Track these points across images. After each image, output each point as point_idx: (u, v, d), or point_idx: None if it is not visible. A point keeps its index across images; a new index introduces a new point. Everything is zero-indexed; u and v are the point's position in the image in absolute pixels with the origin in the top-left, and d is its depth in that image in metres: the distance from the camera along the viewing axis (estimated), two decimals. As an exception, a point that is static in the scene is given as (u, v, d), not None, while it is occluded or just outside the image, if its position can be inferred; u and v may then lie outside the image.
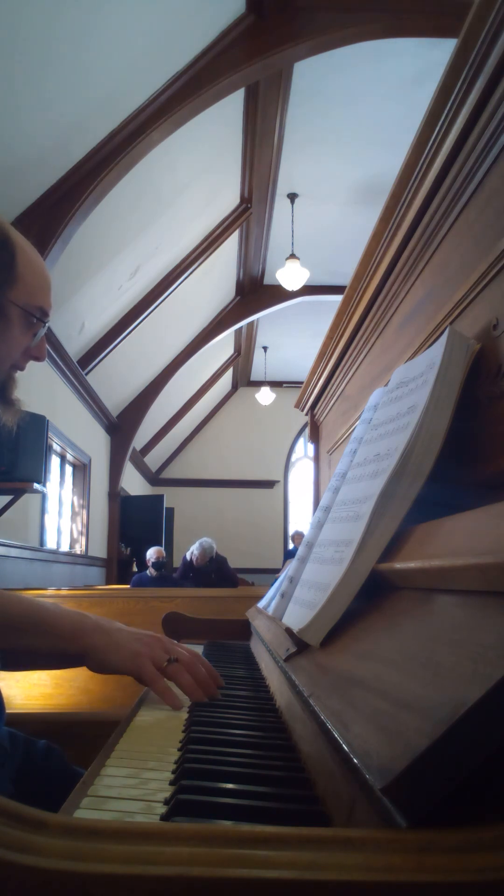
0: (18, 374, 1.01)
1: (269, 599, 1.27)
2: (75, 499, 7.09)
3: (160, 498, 9.27)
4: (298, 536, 9.01)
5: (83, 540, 7.06)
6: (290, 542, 9.24)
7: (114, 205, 4.76)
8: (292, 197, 6.82)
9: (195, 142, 5.12)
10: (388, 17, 4.45)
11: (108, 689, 2.08)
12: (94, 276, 5.39)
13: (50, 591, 3.42)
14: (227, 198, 6.57)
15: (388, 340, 1.11)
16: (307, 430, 1.90)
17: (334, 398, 1.60)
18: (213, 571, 6.46)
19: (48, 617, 0.88)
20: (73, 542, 6.97)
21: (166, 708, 0.79)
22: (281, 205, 6.91)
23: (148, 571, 6.52)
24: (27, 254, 0.94)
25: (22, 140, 3.74)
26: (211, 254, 6.87)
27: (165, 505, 9.17)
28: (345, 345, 1.37)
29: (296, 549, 8.93)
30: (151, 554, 6.50)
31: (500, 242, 0.66)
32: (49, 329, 1.01)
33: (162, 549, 6.77)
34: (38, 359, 1.01)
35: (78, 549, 6.96)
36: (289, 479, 12.99)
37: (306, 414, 1.87)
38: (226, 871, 0.29)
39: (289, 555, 8.94)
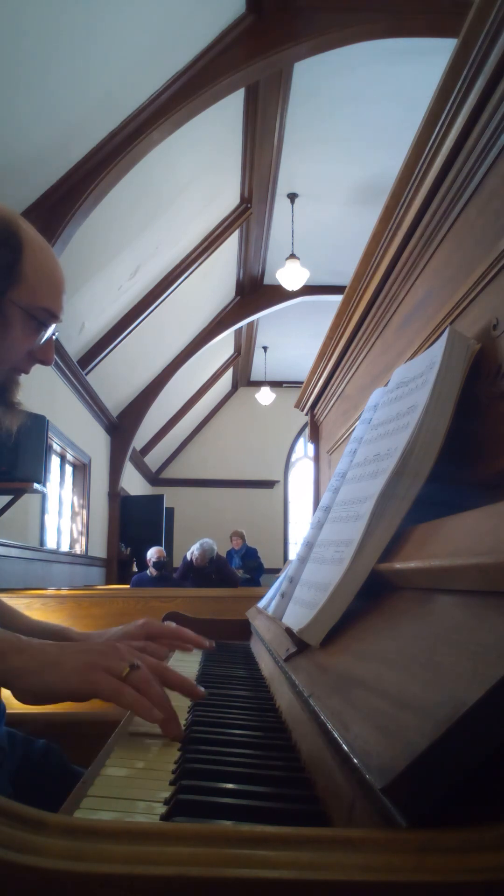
0: (21, 376, 0.99)
1: (269, 599, 1.26)
2: (75, 499, 7.09)
3: (160, 498, 9.26)
4: (237, 535, 8.79)
5: (83, 540, 7.06)
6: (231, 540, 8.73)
7: (114, 205, 4.75)
8: (292, 197, 6.82)
9: (195, 142, 5.12)
10: (388, 17, 4.45)
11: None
12: (94, 276, 5.39)
13: (50, 591, 3.42)
14: (227, 198, 6.57)
15: (388, 340, 1.11)
16: (307, 430, 1.90)
17: (334, 398, 1.60)
18: (214, 572, 6.45)
19: None
20: (73, 542, 6.97)
21: None
22: (281, 205, 6.90)
23: (148, 571, 6.51)
24: (37, 252, 0.90)
25: (22, 140, 3.74)
26: (211, 254, 6.86)
27: (165, 505, 9.16)
28: (345, 345, 1.37)
29: (232, 551, 8.12)
30: (152, 554, 6.49)
31: (500, 242, 0.66)
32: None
33: (162, 549, 6.76)
34: (44, 362, 0.97)
35: (78, 549, 6.96)
36: (289, 479, 12.99)
37: (306, 414, 1.87)
38: (226, 871, 0.29)
39: (228, 555, 8.40)
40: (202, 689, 0.72)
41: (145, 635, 0.90)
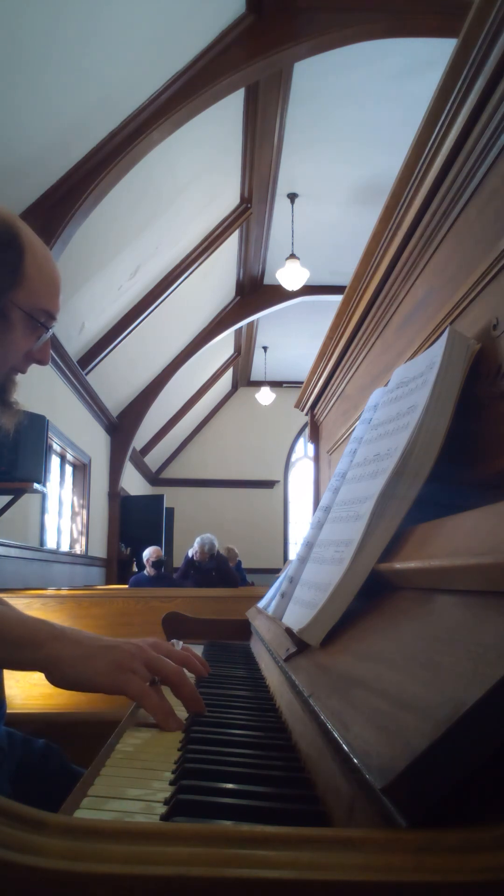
0: (19, 376, 0.99)
1: (269, 599, 1.26)
2: (75, 499, 7.09)
3: (160, 498, 9.26)
4: (231, 553, 8.00)
5: (83, 540, 7.06)
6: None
7: (114, 205, 4.75)
8: (292, 197, 6.82)
9: (195, 142, 5.12)
10: (388, 17, 4.46)
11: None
12: (94, 276, 5.39)
13: (50, 591, 3.42)
14: (227, 198, 6.57)
15: (388, 340, 1.11)
16: (307, 430, 1.90)
17: (334, 398, 1.60)
18: (214, 569, 6.45)
19: (1, 622, 0.77)
20: (73, 542, 6.97)
21: None
22: (281, 205, 6.90)
23: (146, 571, 6.50)
24: (37, 254, 0.91)
25: (22, 140, 3.74)
26: (211, 254, 6.87)
27: (165, 505, 9.17)
28: (345, 345, 1.37)
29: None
30: (150, 553, 6.47)
31: (500, 242, 0.66)
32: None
33: (159, 548, 6.74)
34: (41, 362, 0.98)
35: (78, 549, 6.96)
36: (289, 479, 12.99)
37: (306, 414, 1.87)
38: (226, 871, 0.29)
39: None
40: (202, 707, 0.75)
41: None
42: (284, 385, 12.16)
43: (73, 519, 7.04)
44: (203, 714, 0.72)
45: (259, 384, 11.95)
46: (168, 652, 0.90)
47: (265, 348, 11.23)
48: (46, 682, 0.75)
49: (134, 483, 10.26)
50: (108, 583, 7.80)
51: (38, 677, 0.77)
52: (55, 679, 0.73)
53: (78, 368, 6.22)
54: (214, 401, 12.75)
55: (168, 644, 0.92)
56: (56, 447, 6.28)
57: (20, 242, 0.89)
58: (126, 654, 0.72)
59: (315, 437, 1.82)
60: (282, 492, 12.85)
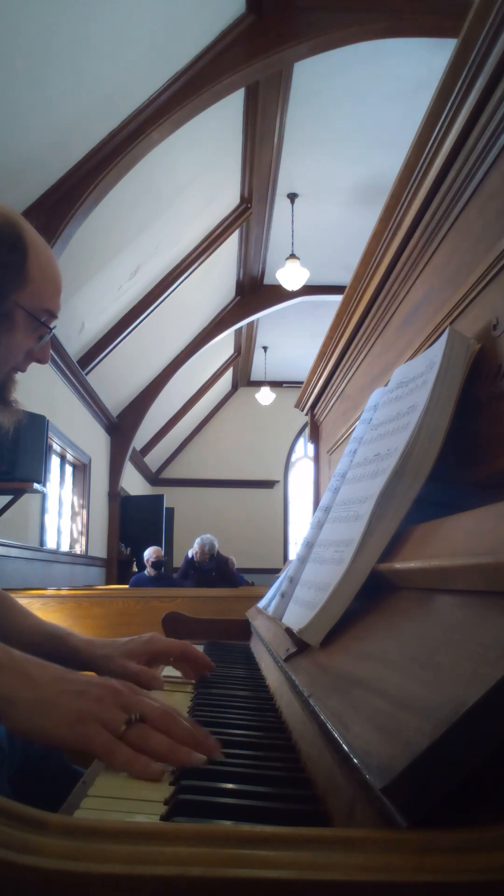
0: (18, 375, 1.00)
1: (269, 599, 1.26)
2: (75, 499, 7.09)
3: (160, 498, 9.26)
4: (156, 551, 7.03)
5: (83, 540, 7.05)
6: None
7: (114, 205, 4.75)
8: (292, 197, 6.82)
9: (195, 142, 5.12)
10: (388, 17, 4.45)
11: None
12: (94, 276, 5.39)
13: (50, 591, 3.42)
14: (227, 198, 6.57)
15: (388, 340, 1.11)
16: (307, 430, 1.90)
17: (334, 398, 1.60)
18: (214, 569, 6.45)
19: None
20: (73, 542, 6.96)
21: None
22: (281, 205, 6.90)
23: (146, 571, 6.51)
24: (40, 255, 0.91)
25: (22, 140, 3.74)
26: (211, 254, 6.86)
27: (165, 505, 9.16)
28: (345, 345, 1.37)
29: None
30: (150, 553, 6.48)
31: (500, 242, 0.66)
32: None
33: (160, 548, 6.74)
34: (41, 361, 0.99)
35: (78, 549, 6.96)
36: (289, 479, 12.99)
37: (306, 414, 1.87)
38: (226, 871, 0.29)
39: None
40: (211, 744, 0.58)
41: (150, 653, 0.89)
42: (284, 385, 12.16)
43: (73, 519, 7.04)
44: (213, 754, 0.56)
45: (259, 384, 11.94)
46: (165, 648, 0.92)
47: (265, 348, 11.22)
48: None
49: (134, 483, 10.26)
50: (108, 583, 7.80)
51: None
52: (11, 724, 0.58)
53: (78, 368, 6.22)
54: (214, 401, 12.74)
55: (164, 639, 0.93)
56: (56, 447, 6.28)
57: (24, 243, 0.89)
58: (93, 702, 0.58)
59: (315, 437, 1.82)
60: (282, 492, 12.85)
